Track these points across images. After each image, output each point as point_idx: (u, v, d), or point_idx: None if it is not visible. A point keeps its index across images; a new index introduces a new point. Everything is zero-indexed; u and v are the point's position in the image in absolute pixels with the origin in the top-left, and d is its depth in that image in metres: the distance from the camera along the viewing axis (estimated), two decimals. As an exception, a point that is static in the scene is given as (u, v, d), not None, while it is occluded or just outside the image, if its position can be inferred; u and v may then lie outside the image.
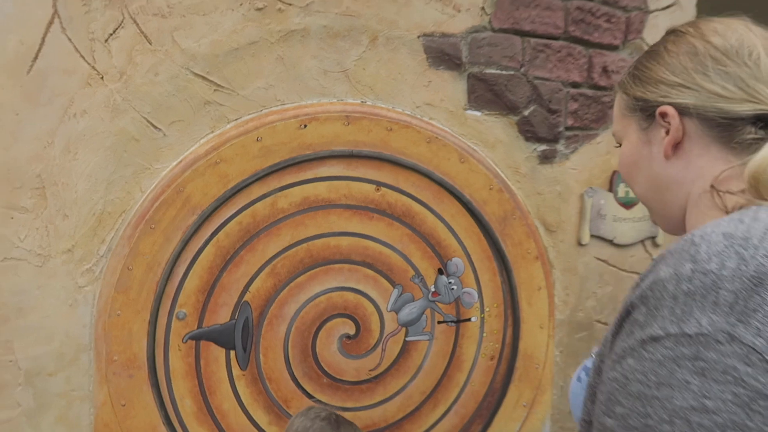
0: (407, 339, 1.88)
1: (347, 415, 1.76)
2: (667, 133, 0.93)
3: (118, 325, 1.62)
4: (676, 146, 0.93)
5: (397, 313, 1.87)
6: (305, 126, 1.72)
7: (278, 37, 1.72)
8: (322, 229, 1.77)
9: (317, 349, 1.80)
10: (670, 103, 0.93)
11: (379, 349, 1.85)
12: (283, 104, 1.74)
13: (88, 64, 1.60)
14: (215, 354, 1.72)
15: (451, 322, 1.91)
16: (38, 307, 1.61)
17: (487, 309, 1.94)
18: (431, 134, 1.82)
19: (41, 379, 1.62)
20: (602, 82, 2.01)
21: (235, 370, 1.73)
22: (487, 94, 1.91)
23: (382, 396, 1.87)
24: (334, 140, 1.74)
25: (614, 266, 2.09)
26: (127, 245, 1.62)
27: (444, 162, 1.84)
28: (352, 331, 1.83)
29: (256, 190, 1.70)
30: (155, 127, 1.66)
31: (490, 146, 1.93)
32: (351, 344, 1.83)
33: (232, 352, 1.72)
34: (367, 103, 1.81)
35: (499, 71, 1.90)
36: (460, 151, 1.85)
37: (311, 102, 1.76)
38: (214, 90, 1.69)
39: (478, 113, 1.91)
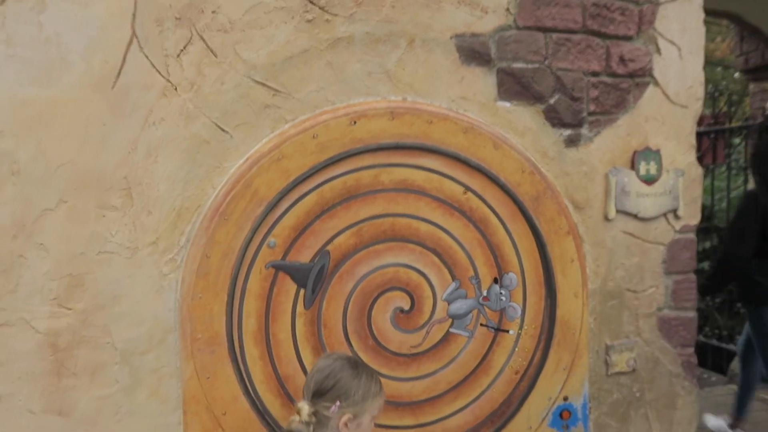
0: (450, 330, 2.06)
1: (383, 382, 1.97)
2: None
3: (200, 306, 1.83)
4: None
5: (448, 304, 2.06)
6: (355, 122, 1.91)
7: (326, 45, 1.92)
8: (410, 210, 1.98)
9: (373, 312, 1.98)
10: None
11: (424, 330, 2.04)
12: (334, 104, 1.94)
13: (164, 77, 1.81)
14: (288, 287, 1.90)
15: (492, 328, 2.09)
16: (129, 294, 1.82)
17: (525, 327, 2.12)
18: (467, 125, 2.01)
19: (135, 358, 1.83)
20: (620, 71, 2.19)
21: (299, 308, 1.91)
22: (515, 87, 2.09)
23: (415, 373, 2.03)
24: (381, 134, 1.94)
25: (639, 238, 2.26)
26: (205, 235, 1.83)
27: (480, 149, 2.02)
28: (406, 307, 2.01)
29: (355, 163, 1.92)
30: (223, 130, 1.86)
31: (520, 133, 2.11)
32: (403, 318, 2.02)
33: (302, 291, 1.91)
34: (408, 99, 2.00)
35: (525, 65, 2.09)
36: (494, 138, 2.04)
37: (358, 101, 1.96)
38: (273, 95, 1.90)
39: (507, 104, 2.10)
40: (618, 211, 2.21)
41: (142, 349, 1.84)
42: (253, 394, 1.88)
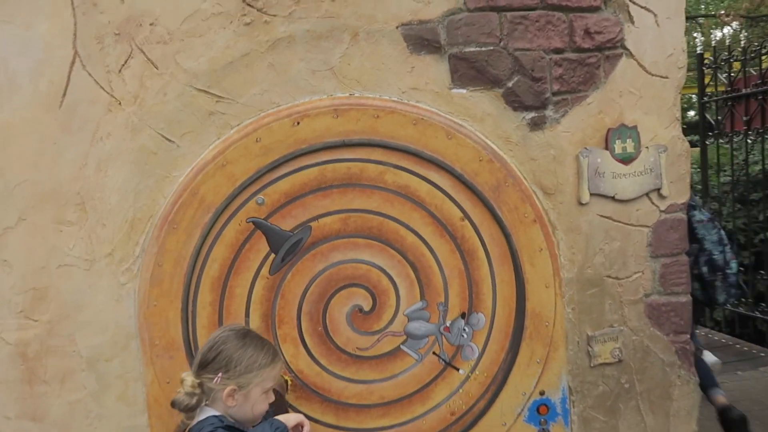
0: (401, 346, 2.02)
1: (317, 371, 1.96)
2: None
3: (156, 314, 1.88)
4: None
5: (408, 320, 2.02)
6: (298, 123, 1.90)
7: (267, 47, 1.91)
8: (404, 218, 1.97)
9: (332, 301, 1.97)
10: None
11: (376, 337, 2.00)
12: (279, 106, 1.93)
13: (107, 93, 1.86)
14: (260, 247, 1.91)
15: (444, 360, 2.03)
16: (91, 304, 1.89)
17: (477, 373, 2.05)
18: (417, 116, 1.95)
19: (101, 365, 1.91)
20: (586, 45, 2.05)
21: (264, 270, 1.92)
22: (469, 72, 2.01)
23: (351, 375, 2.00)
24: (326, 133, 1.91)
25: (619, 221, 2.12)
26: (156, 244, 1.87)
27: (432, 140, 1.96)
28: (366, 308, 1.99)
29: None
30: (169, 140, 1.89)
31: (479, 120, 2.03)
32: (359, 317, 1.99)
33: (272, 256, 1.92)
34: (356, 95, 1.96)
35: (478, 48, 2.00)
36: (447, 128, 1.96)
37: (304, 101, 1.94)
38: (216, 101, 1.91)
39: (463, 91, 2.02)
40: (592, 195, 2.08)
41: (107, 356, 1.91)
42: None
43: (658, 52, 2.11)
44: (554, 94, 2.05)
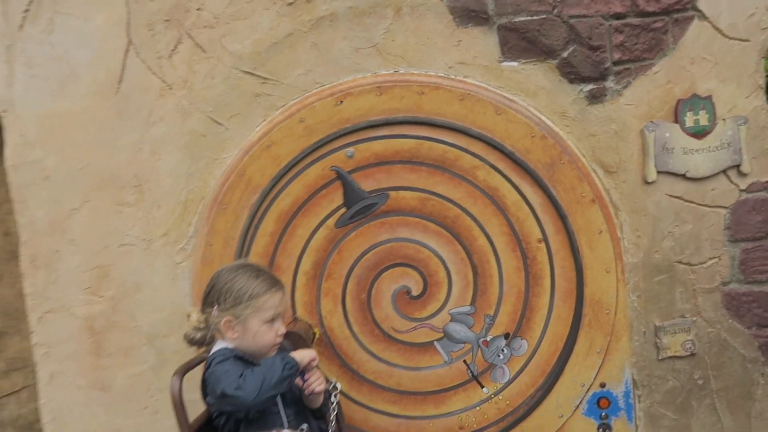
0: (435, 342, 1.95)
1: (347, 335, 1.94)
2: None
3: (207, 293, 1.93)
4: None
5: (450, 320, 1.95)
6: (341, 102, 1.87)
7: (310, 26, 1.90)
8: (482, 219, 1.92)
9: (384, 275, 1.94)
10: None
11: (414, 324, 1.96)
12: (322, 86, 1.91)
13: (159, 78, 1.92)
14: (333, 198, 1.91)
15: (471, 373, 1.95)
16: (149, 282, 1.98)
17: (500, 398, 1.95)
18: (464, 92, 1.86)
19: (159, 341, 1.99)
20: (650, 8, 1.87)
21: (332, 221, 1.92)
22: (520, 43, 1.89)
23: (375, 351, 1.96)
24: (369, 111, 1.87)
25: (692, 202, 1.93)
26: (206, 225, 1.92)
27: (480, 117, 1.87)
28: (415, 292, 1.95)
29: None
30: (218, 123, 1.93)
31: (532, 94, 1.91)
32: (404, 299, 1.95)
33: (344, 210, 1.92)
34: (400, 71, 1.91)
35: (529, 17, 1.88)
36: (496, 103, 1.86)
37: (347, 79, 1.91)
38: (262, 83, 1.92)
39: (514, 63, 1.91)
40: (660, 172, 1.91)
41: (165, 333, 1.99)
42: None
43: (737, 13, 1.89)
44: (615, 63, 1.89)
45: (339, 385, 1.59)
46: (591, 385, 1.93)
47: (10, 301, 3.20)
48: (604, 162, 1.92)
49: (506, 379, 1.95)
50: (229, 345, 1.51)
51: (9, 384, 3.25)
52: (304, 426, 1.50)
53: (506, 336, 1.94)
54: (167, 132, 1.94)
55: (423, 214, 1.93)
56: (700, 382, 1.98)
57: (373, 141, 1.90)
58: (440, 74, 1.91)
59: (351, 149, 1.88)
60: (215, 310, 1.51)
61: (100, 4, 1.89)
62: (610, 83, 1.90)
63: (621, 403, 1.94)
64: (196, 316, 1.54)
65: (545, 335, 1.94)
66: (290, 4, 1.89)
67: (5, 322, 3.23)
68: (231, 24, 1.90)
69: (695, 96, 1.89)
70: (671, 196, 1.93)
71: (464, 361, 1.95)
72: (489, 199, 1.92)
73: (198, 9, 1.90)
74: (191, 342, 1.55)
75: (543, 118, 1.90)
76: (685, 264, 1.95)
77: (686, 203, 1.93)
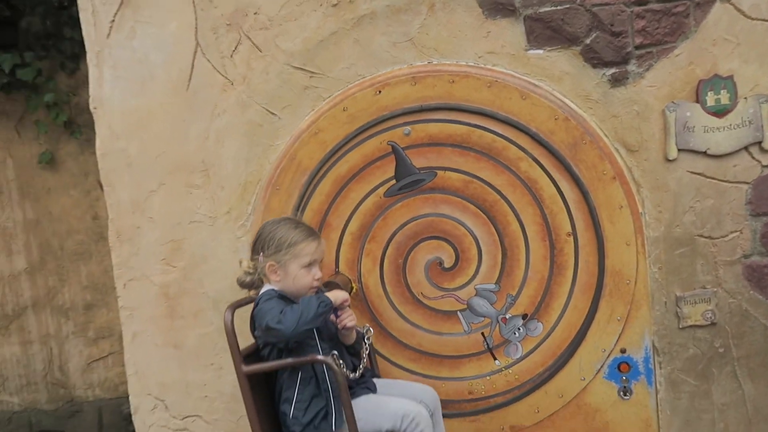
0: (458, 312, 2.13)
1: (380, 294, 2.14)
2: None
3: (264, 263, 2.20)
4: None
5: (474, 295, 2.12)
6: (380, 92, 2.08)
7: (352, 24, 2.12)
8: (518, 206, 2.08)
9: (422, 244, 2.12)
10: None
11: (441, 293, 2.14)
12: (363, 77, 2.13)
13: (222, 75, 2.19)
14: (386, 170, 2.10)
15: (486, 345, 2.11)
16: (214, 254, 2.26)
17: (510, 372, 2.12)
18: (491, 79, 2.03)
19: (223, 305, 2.25)
20: (671, -7, 1.97)
21: (382, 190, 2.11)
22: (545, 32, 2.04)
23: (403, 312, 2.15)
24: (404, 100, 2.07)
25: (713, 178, 2.02)
26: (263, 204, 2.18)
27: (506, 102, 2.03)
28: (447, 264, 2.13)
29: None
30: (272, 113, 2.19)
31: (557, 80, 2.05)
32: (436, 269, 2.14)
33: (394, 181, 2.10)
34: (433, 62, 2.10)
35: (553, 7, 2.02)
36: (521, 89, 2.02)
37: (385, 71, 2.12)
38: (310, 77, 2.16)
39: (540, 51, 2.05)
40: (681, 150, 2.01)
41: (228, 298, 2.25)
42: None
43: (760, -6, 1.96)
44: (637, 47, 2.00)
45: (372, 330, 1.86)
46: (612, 351, 2.06)
47: (99, 277, 3.63)
48: (627, 141, 2.04)
49: (518, 356, 2.11)
50: (274, 287, 1.78)
51: (98, 350, 3.69)
52: (335, 352, 1.74)
53: (524, 316, 2.10)
54: (229, 122, 2.21)
55: (465, 195, 2.10)
56: (721, 350, 2.07)
57: (429, 123, 2.07)
58: (470, 63, 2.08)
59: (408, 128, 2.07)
60: (261, 257, 1.78)
61: (173, 13, 2.17)
62: (632, 67, 2.01)
63: (641, 368, 2.06)
64: (246, 262, 1.83)
65: (560, 322, 2.09)
66: (335, 5, 2.12)
67: (94, 296, 3.67)
68: (283, 25, 2.15)
69: (716, 76, 1.98)
70: (692, 172, 2.03)
71: (482, 334, 2.13)
72: (527, 189, 2.07)
73: (255, 13, 2.15)
74: (242, 285, 1.84)
75: (567, 101, 2.04)
76: (706, 237, 2.05)
77: (707, 179, 2.03)
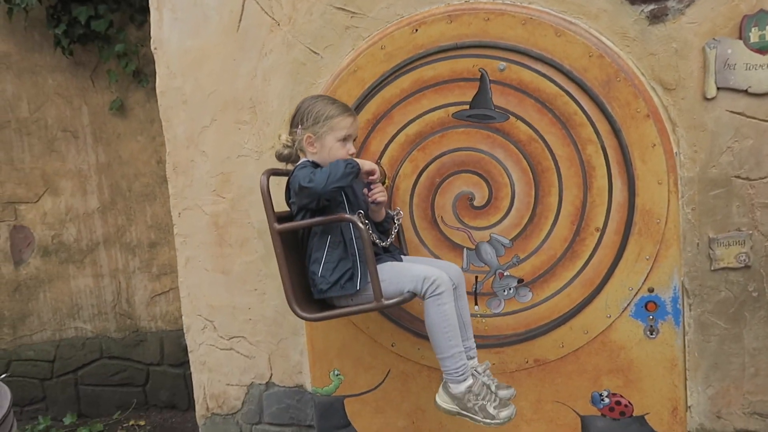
0: (465, 249, 2.19)
1: (405, 201, 2.21)
2: None
3: (304, 195, 2.33)
4: None
5: (488, 240, 2.17)
6: (416, 30, 2.14)
7: (392, -35, 2.18)
8: (563, 167, 2.12)
9: (461, 175, 2.17)
10: None
11: (459, 225, 2.20)
12: (402, 17, 2.19)
13: (269, 16, 2.31)
14: (466, 94, 2.13)
15: (474, 289, 2.19)
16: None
17: (484, 321, 2.19)
18: (526, 17, 2.05)
19: (266, 235, 2.41)
20: (716, -75, 1.92)
21: (453, 109, 2.14)
22: (583, -32, 2.03)
23: (419, 227, 2.23)
24: (440, 38, 2.13)
25: (753, 117, 1.97)
26: (304, 140, 2.31)
27: (540, 39, 2.05)
28: (477, 202, 2.18)
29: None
30: (315, 53, 2.29)
31: (593, 17, 2.05)
32: (464, 202, 2.19)
33: (467, 107, 2.13)
34: (470, 0, 2.13)
35: (592, -57, 2.01)
36: (556, 26, 2.03)
37: (424, 10, 2.17)
38: (351, 17, 2.24)
39: (577, -12, 2.05)
40: (720, 89, 1.97)
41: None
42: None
43: (814, -76, 1.87)
44: (678, -17, 1.97)
45: (402, 213, 2.04)
46: (639, 289, 2.07)
47: (162, 218, 3.89)
48: (663, 80, 2.02)
49: (497, 311, 2.19)
50: (310, 159, 1.92)
51: (160, 286, 3.97)
52: (361, 212, 1.90)
53: (520, 281, 2.16)
54: (275, 61, 2.33)
55: (524, 150, 2.12)
56: (754, 294, 2.05)
57: (524, 68, 2.07)
58: (506, 1, 2.11)
59: (503, 64, 2.08)
60: (299, 129, 1.93)
61: (224, -44, 2.31)
62: (672, 2, 1.98)
63: (668, 308, 2.07)
64: (285, 135, 1.98)
65: (551, 299, 2.15)
66: (375, -54, 2.18)
67: (158, 235, 3.94)
68: (326, -34, 2.24)
69: (762, 11, 1.92)
70: (732, 112, 1.99)
71: (476, 277, 2.19)
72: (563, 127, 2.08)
73: (300, -45, 2.25)
74: (280, 158, 2.00)
75: (603, 39, 2.04)
76: (743, 179, 2.01)
77: (747, 119, 1.98)
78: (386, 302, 1.84)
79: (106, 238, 3.95)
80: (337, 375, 2.40)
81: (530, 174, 2.14)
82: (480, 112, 2.14)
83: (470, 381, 1.86)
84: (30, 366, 4.01)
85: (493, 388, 1.88)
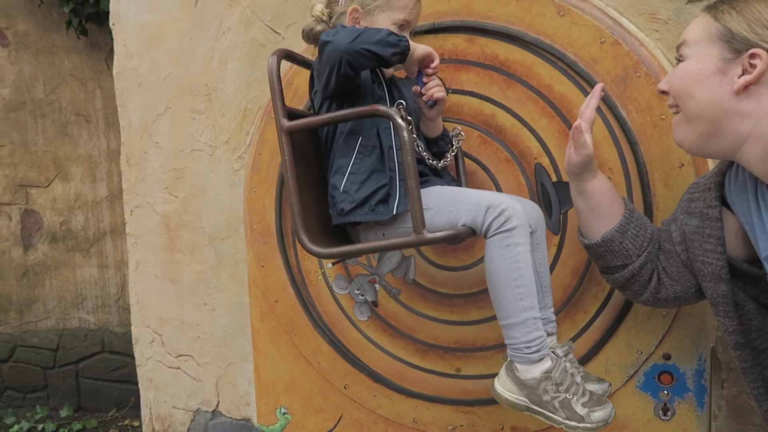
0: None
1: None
2: (744, 72, 1.07)
3: (255, 200, 1.98)
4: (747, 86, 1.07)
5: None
6: (387, 6, 1.73)
7: (366, -75, 1.78)
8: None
9: None
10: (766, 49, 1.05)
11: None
12: (375, -9, 1.79)
13: (228, -12, 1.98)
14: None
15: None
16: (213, 186, 2.10)
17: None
18: (521, -11, 1.59)
19: (218, 242, 2.11)
20: None
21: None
22: (601, -73, 1.54)
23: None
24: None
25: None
26: (257, 134, 1.96)
27: (538, 19, 1.58)
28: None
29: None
30: (275, 32, 1.94)
31: (613, -8, 1.56)
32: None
33: None
34: (456, -30, 1.70)
35: None
36: (558, 3, 1.56)
37: (400, -17, 1.75)
38: (318, -10, 1.86)
39: (593, -46, 1.57)
40: (783, 92, 1.42)
41: (223, 235, 2.10)
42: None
43: None
44: (730, -55, 1.44)
45: (463, 134, 1.55)
46: (651, 354, 1.56)
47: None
48: (702, 77, 1.49)
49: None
50: None
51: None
52: (402, 102, 1.36)
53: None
54: (233, 41, 2.00)
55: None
56: (816, 378, 1.48)
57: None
58: (502, -29, 1.65)
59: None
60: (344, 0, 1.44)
61: None
62: (719, -27, 1.45)
63: (690, 383, 1.54)
64: (320, 7, 1.49)
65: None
66: None
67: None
68: (292, -71, 1.87)
69: None
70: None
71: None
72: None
73: None
74: (308, 36, 1.51)
75: (622, 20, 1.54)
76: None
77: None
78: (429, 236, 1.28)
79: (113, 228, 3.80)
80: (284, 414, 2.03)
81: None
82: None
83: (549, 363, 1.28)
84: (34, 353, 3.94)
85: (578, 378, 1.34)
